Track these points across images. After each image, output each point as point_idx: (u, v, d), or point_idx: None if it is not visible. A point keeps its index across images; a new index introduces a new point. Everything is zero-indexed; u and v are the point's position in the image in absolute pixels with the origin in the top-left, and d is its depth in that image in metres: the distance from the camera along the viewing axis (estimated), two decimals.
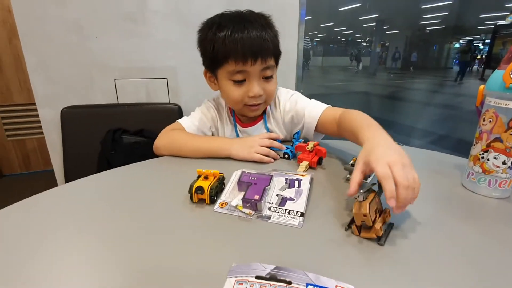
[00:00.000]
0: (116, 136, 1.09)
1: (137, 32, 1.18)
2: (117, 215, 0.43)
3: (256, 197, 0.41)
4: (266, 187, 0.43)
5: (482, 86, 0.48)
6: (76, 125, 1.13)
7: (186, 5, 1.20)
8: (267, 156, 0.62)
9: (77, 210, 0.44)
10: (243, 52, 0.61)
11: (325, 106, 0.72)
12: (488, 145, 0.46)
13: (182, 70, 1.28)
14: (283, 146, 0.66)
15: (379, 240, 0.36)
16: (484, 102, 0.47)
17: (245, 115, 0.75)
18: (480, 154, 0.48)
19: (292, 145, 0.65)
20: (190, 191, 0.44)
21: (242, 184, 0.44)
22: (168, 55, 1.24)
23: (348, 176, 0.55)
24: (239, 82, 0.66)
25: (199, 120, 0.76)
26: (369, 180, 0.53)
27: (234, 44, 0.61)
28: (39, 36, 1.07)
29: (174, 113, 1.24)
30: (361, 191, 0.38)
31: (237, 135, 0.77)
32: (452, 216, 0.44)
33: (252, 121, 0.77)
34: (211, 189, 0.44)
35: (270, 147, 0.65)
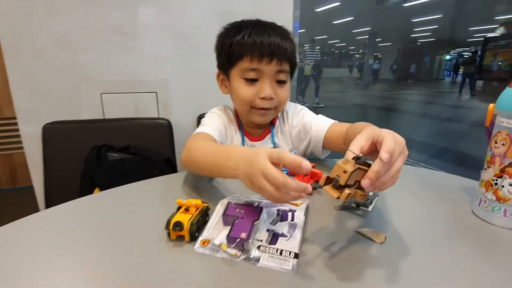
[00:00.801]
0: (101, 153, 1.03)
1: (127, 45, 1.13)
2: (88, 251, 0.37)
3: (243, 235, 0.35)
4: (255, 222, 0.37)
5: (492, 105, 0.44)
6: (58, 141, 1.07)
7: (180, 19, 1.17)
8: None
9: (46, 243, 0.40)
10: (260, 49, 0.61)
11: (332, 121, 0.70)
12: (502, 170, 0.42)
13: (173, 83, 1.23)
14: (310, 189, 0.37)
15: (341, 205, 0.33)
16: (495, 123, 0.43)
17: (252, 121, 0.69)
18: (493, 180, 0.43)
19: None
20: (167, 227, 0.38)
21: (227, 217, 0.38)
22: (158, 68, 1.20)
23: (347, 203, 0.49)
24: (251, 81, 0.64)
25: (215, 128, 0.67)
26: (370, 207, 0.48)
27: (252, 42, 0.61)
28: (24, 50, 1.02)
29: (163, 128, 1.19)
30: (362, 156, 0.33)
31: None
32: (463, 250, 0.39)
33: (259, 134, 0.74)
34: (191, 224, 0.38)
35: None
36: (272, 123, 0.74)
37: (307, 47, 5.90)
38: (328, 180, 0.33)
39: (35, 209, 0.77)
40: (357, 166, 0.31)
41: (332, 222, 0.45)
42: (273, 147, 0.73)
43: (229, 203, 0.40)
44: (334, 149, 0.68)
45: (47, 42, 1.04)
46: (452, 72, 15.88)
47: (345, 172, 0.31)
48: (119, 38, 1.11)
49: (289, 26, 1.34)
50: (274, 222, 0.39)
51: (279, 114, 0.75)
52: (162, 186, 0.60)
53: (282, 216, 0.40)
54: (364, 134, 0.36)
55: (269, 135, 0.73)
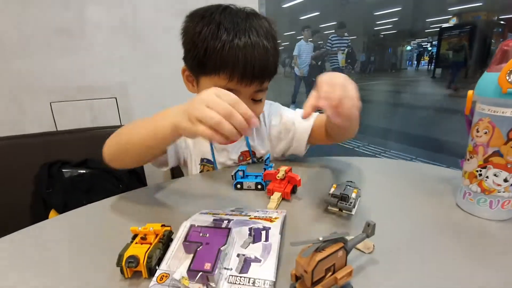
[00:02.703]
0: (53, 171, 0.91)
1: (75, 47, 1.02)
2: None
3: (207, 266, 0.29)
4: (222, 248, 0.31)
5: (470, 92, 0.41)
6: (2, 160, 0.93)
7: (131, 17, 1.07)
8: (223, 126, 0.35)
9: None
10: (242, 70, 0.51)
11: (314, 114, 0.64)
12: (486, 161, 0.39)
13: (133, 87, 1.13)
14: (255, 119, 0.38)
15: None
16: (475, 110, 0.41)
17: None
18: (477, 171, 0.40)
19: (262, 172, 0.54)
20: (119, 263, 0.31)
21: (189, 245, 0.32)
22: (114, 71, 1.09)
23: (329, 208, 0.45)
24: None
25: None
26: (353, 211, 0.44)
27: (233, 57, 0.50)
28: None
29: None
30: (325, 239, 0.27)
31: (213, 154, 0.67)
32: (449, 244, 0.36)
33: None
34: (148, 257, 0.31)
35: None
36: None
37: (334, 35, 4.60)
38: (297, 277, 0.28)
39: None
40: (318, 260, 0.26)
41: (313, 233, 0.40)
42: (248, 149, 0.69)
43: (191, 226, 0.34)
44: (318, 142, 0.67)
45: None
46: (415, 62, 16.82)
47: (306, 272, 0.26)
48: (65, 40, 0.99)
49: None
50: (245, 245, 0.34)
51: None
52: (116, 208, 0.51)
53: (254, 237, 0.35)
54: (312, 94, 0.39)
55: (242, 137, 0.65)
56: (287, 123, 0.68)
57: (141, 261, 0.31)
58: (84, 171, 0.94)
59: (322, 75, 0.41)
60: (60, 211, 0.88)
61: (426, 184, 0.54)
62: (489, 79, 0.37)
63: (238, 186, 0.53)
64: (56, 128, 1.05)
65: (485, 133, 0.39)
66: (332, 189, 0.45)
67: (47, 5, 0.95)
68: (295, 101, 4.70)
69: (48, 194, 0.89)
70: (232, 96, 0.37)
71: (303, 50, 4.41)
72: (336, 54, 4.55)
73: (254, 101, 0.58)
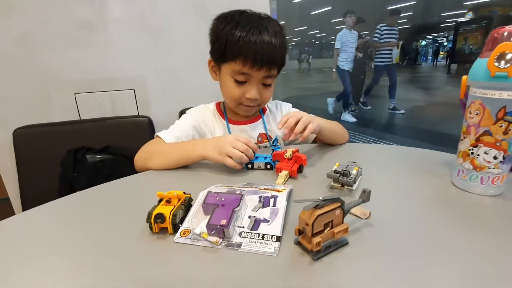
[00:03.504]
0: (78, 156, 0.99)
1: (97, 41, 1.08)
2: (70, 252, 0.35)
3: (223, 221, 0.34)
4: (235, 209, 0.36)
5: (465, 77, 0.44)
6: (32, 146, 1.01)
7: (150, 12, 1.13)
8: (242, 158, 0.56)
9: (29, 243, 0.37)
10: (254, 57, 0.64)
11: (322, 118, 0.77)
12: (477, 139, 0.43)
13: (151, 79, 1.19)
14: (257, 148, 0.60)
15: (314, 254, 0.32)
16: (469, 94, 0.44)
17: (238, 113, 0.77)
18: (470, 150, 0.44)
19: (270, 154, 0.59)
20: (148, 220, 0.37)
21: (207, 206, 0.37)
22: (134, 64, 1.16)
23: (332, 183, 0.49)
24: (240, 83, 0.68)
25: (179, 130, 0.72)
26: (354, 186, 0.48)
27: (247, 47, 0.63)
28: None
29: (143, 126, 1.15)
30: (324, 198, 0.32)
31: (230, 134, 0.77)
32: (444, 218, 0.40)
33: (248, 119, 0.79)
34: (173, 215, 0.37)
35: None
36: (261, 111, 0.82)
37: (383, 24, 3.77)
38: (300, 232, 0.33)
39: None
40: (317, 214, 0.31)
41: None
42: (265, 132, 0.80)
43: (209, 192, 0.39)
44: (320, 142, 0.77)
45: (7, 41, 0.98)
46: (431, 57, 16.46)
47: (307, 225, 0.31)
48: (87, 34, 1.06)
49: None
50: (255, 209, 0.39)
51: (271, 106, 0.85)
52: (143, 182, 0.58)
53: (263, 203, 0.40)
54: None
55: (260, 120, 0.80)
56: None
57: (167, 218, 0.37)
58: (106, 157, 1.01)
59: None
60: None
61: (425, 166, 0.58)
62: (480, 64, 0.41)
63: (249, 166, 0.58)
64: (80, 117, 1.12)
65: (477, 114, 0.42)
66: (335, 167, 0.49)
67: (72, 1, 1.02)
68: (347, 105, 3.65)
69: (74, 178, 0.97)
70: (245, 138, 0.58)
71: (347, 40, 3.51)
72: (387, 48, 3.61)
73: (264, 86, 0.70)
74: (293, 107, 0.87)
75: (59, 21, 1.02)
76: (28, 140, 1.01)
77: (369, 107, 3.79)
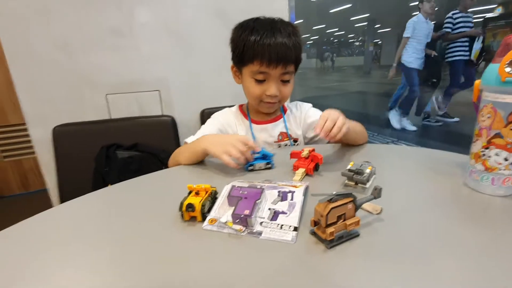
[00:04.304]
0: (110, 152, 1.07)
1: (125, 45, 1.17)
2: (108, 237, 0.41)
3: (246, 212, 0.38)
4: (257, 201, 0.40)
5: (478, 81, 0.46)
6: (69, 143, 1.11)
7: (174, 17, 1.20)
8: (240, 159, 0.59)
9: (68, 233, 0.42)
10: (269, 56, 0.70)
11: None
12: (489, 142, 0.44)
13: (174, 81, 1.27)
14: (258, 148, 0.62)
15: (328, 243, 0.36)
16: (481, 97, 0.46)
17: (261, 111, 0.82)
18: (481, 152, 0.46)
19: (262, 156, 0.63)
20: (180, 208, 0.42)
21: (232, 198, 0.42)
22: (159, 67, 1.23)
23: (346, 181, 0.53)
24: (260, 82, 0.74)
25: (203, 133, 0.78)
26: (368, 184, 0.51)
27: (262, 49, 0.69)
28: (26, 55, 1.06)
29: (167, 125, 1.23)
30: (338, 193, 0.36)
31: (253, 134, 0.82)
32: (456, 218, 0.42)
33: (270, 118, 0.84)
34: (202, 205, 0.42)
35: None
36: (283, 111, 0.86)
37: (456, 11, 2.90)
38: (315, 223, 0.37)
39: None
40: (331, 207, 0.34)
41: None
42: (286, 131, 0.84)
43: (233, 186, 0.44)
44: (339, 142, 0.79)
45: (47, 46, 1.08)
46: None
47: (322, 216, 0.35)
48: (118, 39, 1.14)
49: (285, 17, 1.36)
50: (275, 202, 0.43)
51: (292, 106, 0.89)
52: (172, 176, 0.64)
53: (282, 197, 0.44)
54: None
55: (281, 120, 0.85)
56: (316, 117, 0.83)
57: (197, 207, 0.42)
58: (134, 153, 1.09)
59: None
60: None
61: (439, 166, 0.59)
62: (492, 69, 0.43)
63: (250, 168, 0.61)
64: (110, 116, 1.21)
65: (488, 117, 0.44)
66: (349, 166, 0.53)
67: (103, 9, 1.11)
68: (408, 111, 2.99)
69: (106, 172, 1.06)
70: (247, 140, 0.61)
71: (421, 30, 2.75)
72: (462, 39, 2.83)
73: (283, 82, 0.75)
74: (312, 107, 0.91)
75: (92, 27, 1.11)
76: (65, 137, 1.10)
77: (456, 119, 2.96)
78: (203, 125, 0.83)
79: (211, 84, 1.31)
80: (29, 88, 1.09)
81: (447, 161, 0.61)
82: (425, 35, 2.79)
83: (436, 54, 2.87)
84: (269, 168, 0.62)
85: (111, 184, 1.07)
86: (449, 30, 2.84)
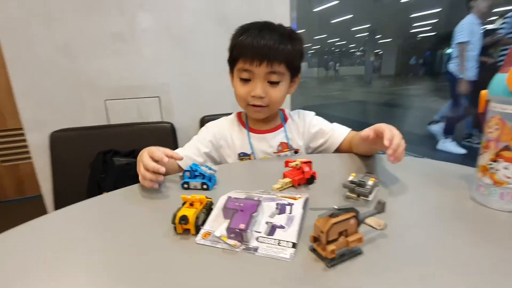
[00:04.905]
0: (107, 158, 1.06)
1: (127, 51, 1.16)
2: (98, 249, 0.39)
3: (242, 226, 0.36)
4: (253, 214, 0.38)
5: (484, 91, 0.45)
6: (66, 148, 1.10)
7: (175, 23, 1.20)
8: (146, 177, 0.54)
9: (58, 243, 0.41)
10: (252, 52, 0.67)
11: (348, 129, 0.80)
12: (497, 154, 0.43)
13: (174, 87, 1.26)
14: (180, 157, 0.59)
15: (328, 262, 0.33)
16: (488, 108, 0.44)
17: (250, 116, 0.79)
18: (489, 165, 0.44)
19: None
20: (173, 221, 0.40)
21: (227, 211, 0.40)
22: (159, 72, 1.23)
23: (347, 193, 0.51)
24: (245, 81, 0.71)
25: (191, 147, 0.77)
26: (370, 197, 0.49)
27: (246, 46, 0.68)
28: (26, 60, 1.06)
29: (166, 131, 1.21)
30: (339, 207, 0.34)
31: (250, 144, 0.78)
32: (463, 233, 0.40)
33: (269, 128, 0.80)
34: (196, 217, 0.40)
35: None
36: (283, 120, 0.82)
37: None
38: (315, 239, 0.35)
39: None
40: (332, 223, 0.32)
41: None
42: (286, 141, 0.80)
43: (229, 198, 0.42)
44: (343, 151, 0.78)
45: (48, 50, 1.07)
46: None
47: (322, 232, 0.33)
48: (119, 44, 1.14)
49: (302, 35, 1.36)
50: (272, 215, 0.41)
51: (294, 114, 0.84)
52: (166, 185, 0.61)
53: (280, 210, 0.42)
54: (369, 128, 0.57)
55: (281, 129, 0.80)
56: (325, 127, 0.81)
57: (190, 220, 0.39)
58: (131, 160, 1.07)
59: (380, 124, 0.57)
60: None
61: (443, 179, 0.57)
62: (500, 79, 0.41)
63: (185, 185, 0.56)
64: (109, 122, 1.20)
65: (496, 129, 0.42)
66: (351, 177, 0.51)
67: (106, 14, 1.11)
68: (452, 130, 2.65)
69: (102, 179, 1.04)
70: (160, 152, 0.56)
71: (475, 33, 2.36)
72: None
73: (271, 84, 0.71)
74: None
75: (94, 31, 1.11)
76: (63, 143, 1.09)
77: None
78: (194, 136, 0.80)
79: (211, 91, 1.30)
80: (27, 92, 1.08)
81: (453, 174, 0.59)
82: (478, 39, 2.37)
83: (494, 61, 2.43)
84: (206, 189, 0.55)
85: (106, 191, 1.05)
86: (504, 30, 2.40)
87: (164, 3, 1.17)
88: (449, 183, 0.55)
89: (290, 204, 0.43)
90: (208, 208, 0.43)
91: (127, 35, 1.15)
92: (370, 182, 0.48)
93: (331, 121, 0.84)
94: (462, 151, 2.61)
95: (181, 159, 0.60)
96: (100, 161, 1.05)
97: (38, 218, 0.47)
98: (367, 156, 0.73)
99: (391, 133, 0.52)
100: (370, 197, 0.49)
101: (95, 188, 1.05)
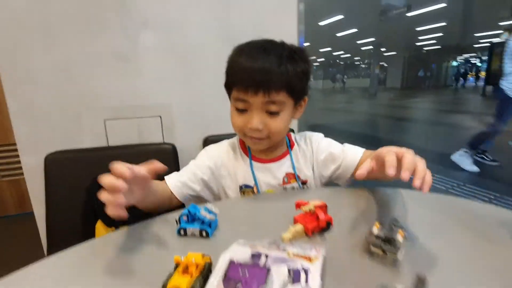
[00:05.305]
0: None
1: (129, 70, 1.12)
2: None
3: None
4: (261, 286, 0.31)
5: None
6: (61, 171, 1.04)
7: (180, 42, 1.16)
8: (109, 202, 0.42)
9: None
10: (245, 81, 0.59)
11: (362, 149, 0.71)
12: None
13: (177, 106, 1.21)
14: (160, 165, 0.50)
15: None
16: None
17: (250, 147, 0.72)
18: None
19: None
20: None
21: (229, 282, 0.32)
22: (161, 92, 1.18)
23: (372, 248, 0.43)
24: (241, 111, 0.64)
25: (188, 172, 0.69)
26: (400, 256, 0.41)
27: (240, 72, 0.61)
28: (23, 78, 1.01)
29: (168, 153, 1.15)
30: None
31: (253, 175, 0.70)
32: None
33: (275, 156, 0.72)
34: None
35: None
36: (289, 146, 0.74)
37: None
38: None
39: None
40: None
41: (355, 278, 0.38)
42: (293, 171, 0.72)
43: (231, 262, 0.34)
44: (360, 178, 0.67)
45: (46, 68, 1.03)
46: (461, 78, 15.74)
47: None
48: (121, 63, 1.10)
49: (294, 41, 1.31)
50: (284, 285, 0.33)
51: (300, 139, 0.76)
52: (160, 232, 0.53)
53: (293, 278, 0.34)
54: (370, 158, 0.50)
55: (287, 157, 0.72)
56: (335, 153, 0.72)
57: None
58: None
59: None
60: (107, 222, 0.95)
61: (485, 227, 0.49)
62: None
63: (182, 232, 0.49)
64: (108, 143, 1.15)
65: None
66: (375, 229, 0.43)
67: (107, 33, 1.07)
68: (478, 144, 2.66)
69: (98, 205, 0.97)
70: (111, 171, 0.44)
71: None
72: None
73: (270, 114, 0.62)
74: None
75: (95, 50, 1.07)
76: (58, 165, 1.03)
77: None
78: (192, 161, 0.73)
79: (215, 110, 1.24)
80: (23, 111, 1.03)
81: (493, 219, 0.51)
82: None
83: None
84: (206, 237, 0.48)
85: (102, 218, 0.98)
86: None
87: (169, 22, 1.13)
88: (492, 232, 0.47)
89: (305, 270, 0.35)
90: (206, 272, 0.36)
91: (130, 53, 1.11)
92: (399, 238, 0.41)
93: (339, 136, 0.77)
94: (475, 169, 2.60)
95: (163, 170, 0.50)
96: (96, 186, 0.98)
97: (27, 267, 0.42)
98: (385, 191, 0.65)
99: (392, 158, 0.44)
100: (400, 256, 0.41)
101: (90, 214, 0.98)
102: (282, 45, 0.64)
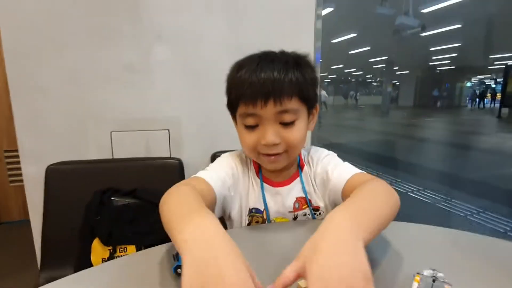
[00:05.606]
0: (104, 199, 0.94)
1: (139, 82, 1.09)
2: None
3: None
4: None
5: None
6: (62, 184, 0.99)
7: (193, 55, 1.13)
8: None
9: None
10: (251, 91, 0.53)
11: (356, 171, 0.59)
12: None
13: (186, 120, 1.17)
14: None
15: None
16: None
17: (265, 168, 0.63)
18: None
19: None
20: None
21: None
22: (170, 105, 1.14)
23: None
24: (251, 128, 0.56)
25: (225, 175, 0.61)
26: None
27: (244, 85, 0.54)
28: (31, 87, 1.00)
29: (173, 168, 1.10)
30: None
31: (264, 198, 0.62)
32: None
33: (284, 179, 0.64)
34: None
35: None
36: (299, 166, 0.65)
37: None
38: None
39: None
40: None
41: None
42: (304, 195, 0.63)
43: None
44: None
45: (55, 78, 1.02)
46: (478, 99, 15.51)
47: None
48: (131, 75, 1.07)
49: (310, 58, 1.27)
50: None
51: (306, 158, 0.67)
52: (154, 268, 0.47)
53: None
54: (293, 265, 0.33)
55: (297, 180, 0.64)
56: (329, 171, 0.61)
57: None
58: (130, 201, 0.95)
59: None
60: (104, 240, 0.89)
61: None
62: None
63: (178, 271, 0.42)
64: (113, 155, 1.11)
65: None
66: (415, 283, 0.35)
67: (117, 45, 1.06)
68: None
69: (96, 222, 0.91)
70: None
71: None
72: None
73: (284, 125, 0.55)
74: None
75: (106, 62, 1.05)
76: (59, 177, 0.99)
77: None
78: (213, 163, 0.64)
79: (224, 125, 1.18)
80: (29, 121, 1.01)
81: None
82: None
83: None
84: None
85: (100, 236, 0.92)
86: None
87: (184, 35, 1.11)
88: None
89: None
90: None
91: (140, 66, 1.08)
92: None
93: (352, 155, 0.67)
94: None
95: None
96: (96, 201, 0.93)
97: None
98: (416, 229, 0.57)
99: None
100: None
101: (87, 231, 0.93)
102: (283, 52, 0.59)
